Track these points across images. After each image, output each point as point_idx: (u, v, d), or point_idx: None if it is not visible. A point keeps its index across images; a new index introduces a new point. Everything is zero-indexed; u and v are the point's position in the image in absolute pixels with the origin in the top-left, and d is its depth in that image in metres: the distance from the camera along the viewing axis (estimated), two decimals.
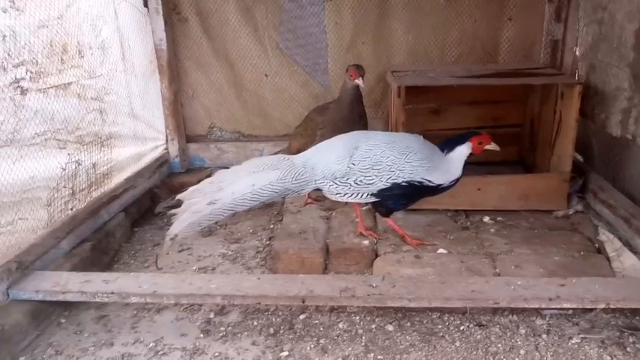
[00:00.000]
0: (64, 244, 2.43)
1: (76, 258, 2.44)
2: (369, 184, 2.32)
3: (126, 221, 2.98)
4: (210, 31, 3.50)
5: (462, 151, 2.36)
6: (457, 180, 2.40)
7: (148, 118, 3.44)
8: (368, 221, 2.77)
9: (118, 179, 3.06)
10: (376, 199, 2.38)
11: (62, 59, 2.57)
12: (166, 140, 3.62)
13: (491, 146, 2.40)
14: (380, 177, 2.30)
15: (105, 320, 2.24)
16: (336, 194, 2.37)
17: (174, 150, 3.63)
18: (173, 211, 2.25)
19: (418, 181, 2.30)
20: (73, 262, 2.41)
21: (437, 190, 2.38)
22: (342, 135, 2.46)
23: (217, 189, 2.24)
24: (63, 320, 2.24)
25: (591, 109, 2.94)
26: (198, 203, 2.20)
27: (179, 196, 2.28)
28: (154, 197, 3.41)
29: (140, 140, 3.37)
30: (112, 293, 2.08)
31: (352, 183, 2.33)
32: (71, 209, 2.59)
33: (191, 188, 2.30)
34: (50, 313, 2.21)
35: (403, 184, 2.30)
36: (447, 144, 2.38)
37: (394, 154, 2.30)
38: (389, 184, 2.30)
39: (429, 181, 2.31)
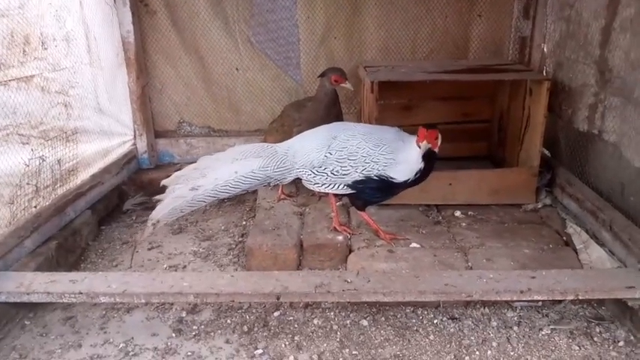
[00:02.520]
0: (27, 243, 2.34)
1: (41, 257, 2.35)
2: (344, 174, 2.31)
3: (92, 219, 2.90)
4: (179, 24, 3.43)
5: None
6: (421, 171, 2.29)
7: (115, 112, 3.34)
8: (342, 216, 2.76)
9: (84, 176, 2.96)
10: (352, 191, 2.38)
11: (24, 51, 2.47)
12: (134, 135, 3.53)
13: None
14: (355, 168, 2.29)
15: (72, 321, 2.17)
16: (314, 184, 2.38)
17: (142, 145, 3.55)
18: (158, 197, 2.24)
19: (386, 176, 2.29)
20: (38, 261, 2.32)
21: (406, 185, 2.35)
22: (325, 125, 2.47)
23: (200, 175, 2.24)
24: (27, 322, 2.16)
25: (558, 104, 3.00)
26: (180, 189, 2.19)
27: (164, 182, 2.28)
28: (121, 194, 3.34)
29: (107, 135, 3.27)
30: (80, 293, 2.01)
31: (329, 173, 2.32)
32: (35, 207, 2.50)
33: (175, 174, 2.29)
34: (13, 315, 2.13)
35: (374, 177, 2.29)
36: None
37: (369, 145, 2.30)
38: (363, 176, 2.30)
39: (393, 178, 2.29)
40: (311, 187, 2.42)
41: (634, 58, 2.32)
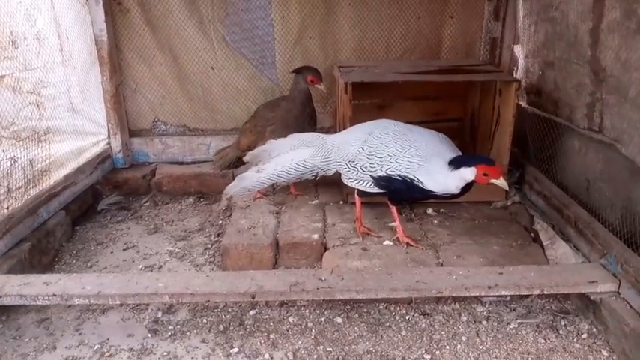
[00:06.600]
0: (0, 245, 2.32)
1: (14, 259, 2.33)
2: (371, 171, 2.36)
3: (66, 220, 2.88)
4: (153, 23, 3.41)
5: (465, 174, 2.20)
6: (454, 195, 2.30)
7: (88, 112, 3.31)
8: (317, 214, 2.80)
9: (57, 176, 2.93)
10: (378, 190, 2.41)
11: None
12: (108, 135, 3.50)
13: (499, 182, 2.20)
14: (381, 166, 2.33)
15: (46, 323, 2.17)
16: (348, 179, 2.45)
17: (116, 145, 3.52)
18: (237, 171, 2.47)
19: (410, 178, 2.30)
20: (11, 263, 2.30)
21: (431, 194, 2.32)
22: (373, 121, 2.53)
23: (268, 157, 2.48)
24: (0, 325, 2.15)
25: (539, 104, 3.03)
26: (249, 170, 2.46)
27: (245, 159, 2.56)
28: (96, 194, 3.32)
29: (80, 135, 3.24)
30: (54, 295, 2.01)
31: (359, 168, 2.38)
32: (7, 208, 2.47)
33: (250, 153, 2.57)
34: None
35: (397, 178, 2.32)
36: (456, 160, 2.23)
37: (397, 146, 2.33)
38: (386, 176, 2.33)
39: (420, 182, 2.28)
40: (346, 182, 2.47)
41: (625, 59, 2.31)
